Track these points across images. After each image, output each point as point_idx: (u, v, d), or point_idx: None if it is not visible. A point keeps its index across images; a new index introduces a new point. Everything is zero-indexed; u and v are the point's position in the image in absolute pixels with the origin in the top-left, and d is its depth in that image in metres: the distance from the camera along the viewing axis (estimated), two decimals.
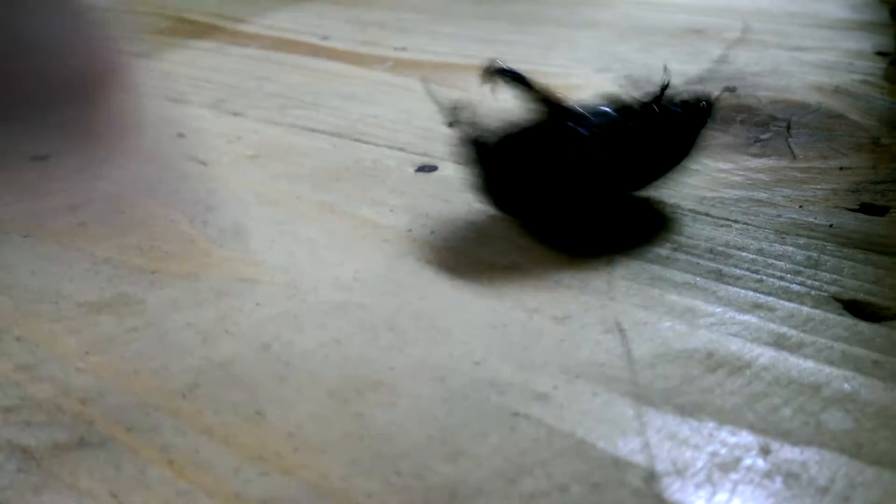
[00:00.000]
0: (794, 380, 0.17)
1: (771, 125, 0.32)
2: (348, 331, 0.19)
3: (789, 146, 0.30)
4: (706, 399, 0.17)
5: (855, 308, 0.20)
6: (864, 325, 0.19)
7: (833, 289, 0.21)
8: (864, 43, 0.43)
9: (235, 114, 0.34)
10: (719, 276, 0.21)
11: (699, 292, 0.20)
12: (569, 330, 0.19)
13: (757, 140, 0.31)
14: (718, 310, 0.20)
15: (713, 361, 0.18)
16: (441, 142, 0.31)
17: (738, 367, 0.18)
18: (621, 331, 0.19)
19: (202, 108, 0.35)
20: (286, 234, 0.24)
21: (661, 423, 0.16)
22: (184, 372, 0.18)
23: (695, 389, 0.17)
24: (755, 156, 0.29)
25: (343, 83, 0.39)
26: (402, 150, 0.30)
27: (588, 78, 0.39)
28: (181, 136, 0.32)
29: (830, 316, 0.19)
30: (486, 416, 0.16)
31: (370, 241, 0.23)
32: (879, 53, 0.41)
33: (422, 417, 0.16)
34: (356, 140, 0.31)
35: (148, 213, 0.25)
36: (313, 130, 0.32)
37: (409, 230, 0.24)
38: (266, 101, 0.36)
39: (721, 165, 0.28)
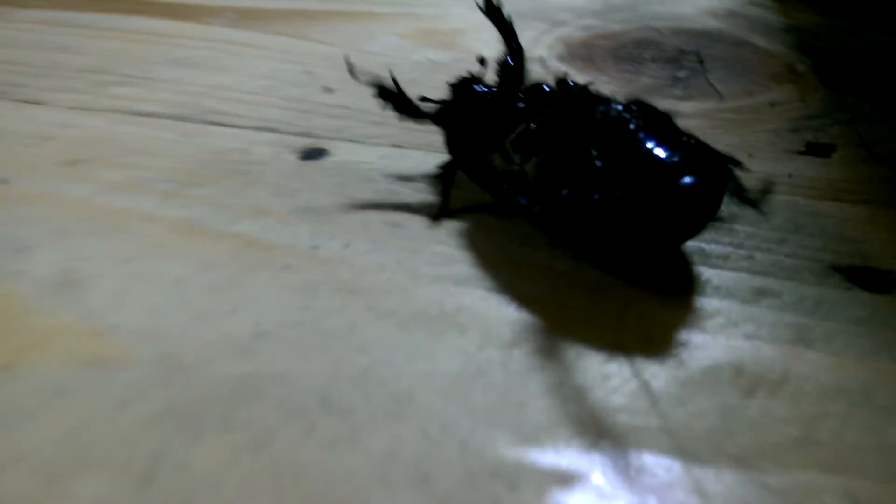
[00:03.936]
0: (844, 388, 0.14)
1: (682, 60, 0.29)
2: (269, 424, 0.13)
3: (711, 83, 0.27)
4: (760, 438, 0.13)
5: (857, 277, 0.17)
6: (877, 298, 0.16)
7: (826, 256, 0.18)
8: None
9: (36, 102, 0.26)
10: (705, 258, 0.18)
11: (691, 283, 0.17)
12: (564, 365, 0.15)
13: (676, 79, 0.28)
14: (722, 305, 0.16)
15: (745, 381, 0.14)
16: (323, 113, 0.25)
17: (775, 381, 0.14)
18: (627, 356, 0.15)
19: None
20: (141, 278, 0.17)
21: (723, 487, 0.12)
22: None
23: (741, 425, 0.13)
24: (681, 98, 0.26)
25: (173, 46, 0.30)
26: (273, 130, 0.24)
27: (471, 19, 0.33)
28: None
29: (838, 293, 0.17)
30: None
31: (264, 270, 0.17)
32: None
33: None
34: (209, 123, 0.24)
35: None
36: (147, 115, 0.25)
37: (315, 246, 0.18)
38: (75, 80, 0.27)
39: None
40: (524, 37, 0.32)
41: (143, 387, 0.14)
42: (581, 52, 0.30)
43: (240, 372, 0.15)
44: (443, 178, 0.20)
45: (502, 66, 0.19)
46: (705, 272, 0.17)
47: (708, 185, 0.15)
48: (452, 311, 0.16)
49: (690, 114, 0.25)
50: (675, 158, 0.15)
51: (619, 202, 0.15)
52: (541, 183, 0.17)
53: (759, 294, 0.17)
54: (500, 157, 0.18)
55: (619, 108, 0.17)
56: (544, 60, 0.29)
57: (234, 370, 0.15)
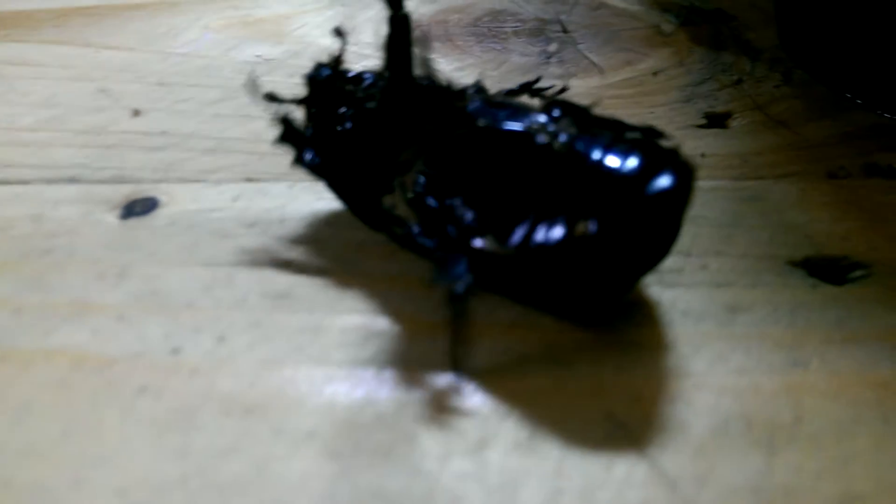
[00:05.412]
0: (859, 416, 0.12)
1: (547, 31, 0.26)
2: None
3: (586, 57, 0.25)
4: None
5: (817, 270, 0.16)
6: (844, 292, 0.15)
7: (780, 251, 0.16)
8: None
9: None
10: (659, 274, 0.15)
11: (657, 310, 0.14)
12: (554, 459, 0.11)
13: (548, 55, 0.25)
14: (698, 333, 0.14)
15: (759, 432, 0.12)
16: (137, 146, 0.19)
17: (789, 424, 0.12)
18: (622, 428, 0.12)
19: None
20: None
21: None
22: None
23: (776, 496, 0.11)
24: (561, 77, 0.23)
25: None
26: (74, 180, 0.18)
27: (294, 1, 0.28)
28: None
29: (806, 294, 0.15)
30: None
31: (111, 401, 0.12)
32: None
33: None
34: None
35: None
36: None
37: (176, 349, 0.13)
38: None
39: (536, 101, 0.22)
40: (363, 16, 0.28)
41: None
42: (437, 31, 0.26)
43: None
44: (454, 315, 0.12)
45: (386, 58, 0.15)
46: (666, 293, 0.15)
47: (681, 184, 0.13)
48: (390, 411, 0.12)
49: (576, 95, 0.22)
50: (639, 165, 0.12)
51: (593, 233, 0.12)
52: (472, 236, 0.13)
53: (732, 311, 0.14)
54: (399, 201, 0.14)
55: (543, 118, 0.14)
56: None
57: None
